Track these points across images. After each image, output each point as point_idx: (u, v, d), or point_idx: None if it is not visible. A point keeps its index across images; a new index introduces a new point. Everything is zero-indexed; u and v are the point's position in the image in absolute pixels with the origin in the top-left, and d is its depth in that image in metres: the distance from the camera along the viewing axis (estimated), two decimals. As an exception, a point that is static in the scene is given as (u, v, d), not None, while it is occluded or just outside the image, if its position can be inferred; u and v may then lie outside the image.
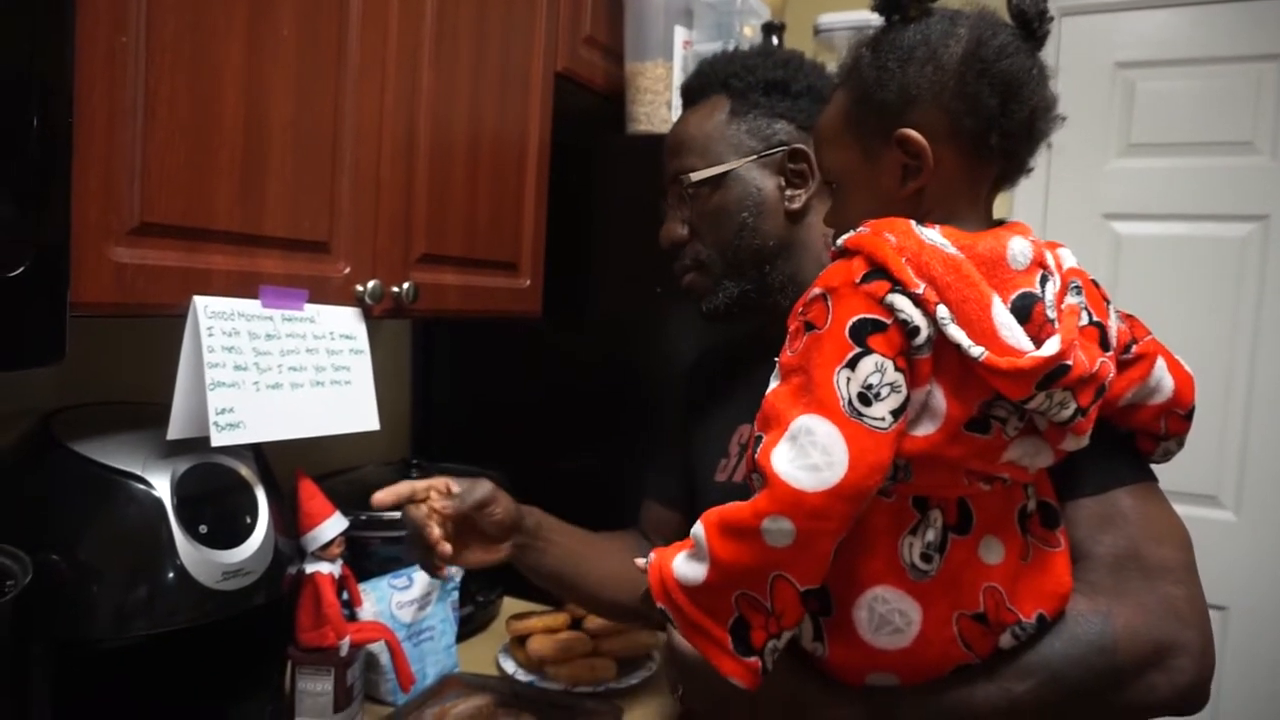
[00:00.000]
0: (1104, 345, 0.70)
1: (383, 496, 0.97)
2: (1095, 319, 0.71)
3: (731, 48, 1.43)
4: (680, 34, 1.48)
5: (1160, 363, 0.77)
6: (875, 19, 1.59)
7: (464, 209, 1.27)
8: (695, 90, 1.07)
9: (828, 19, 1.58)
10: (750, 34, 1.48)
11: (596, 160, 1.51)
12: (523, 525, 1.02)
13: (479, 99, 1.27)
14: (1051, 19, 0.71)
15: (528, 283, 1.42)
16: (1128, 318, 0.77)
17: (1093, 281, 0.74)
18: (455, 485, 0.99)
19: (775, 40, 1.52)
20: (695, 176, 1.01)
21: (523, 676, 1.25)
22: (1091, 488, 0.77)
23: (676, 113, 1.48)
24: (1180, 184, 1.79)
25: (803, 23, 1.66)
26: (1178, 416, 0.78)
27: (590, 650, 1.27)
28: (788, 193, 1.00)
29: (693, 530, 0.68)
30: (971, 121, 0.69)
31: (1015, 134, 0.71)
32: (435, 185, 1.20)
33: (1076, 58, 1.84)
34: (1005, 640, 0.72)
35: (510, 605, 1.50)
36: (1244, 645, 1.60)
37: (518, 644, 1.30)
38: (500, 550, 1.02)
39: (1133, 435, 0.80)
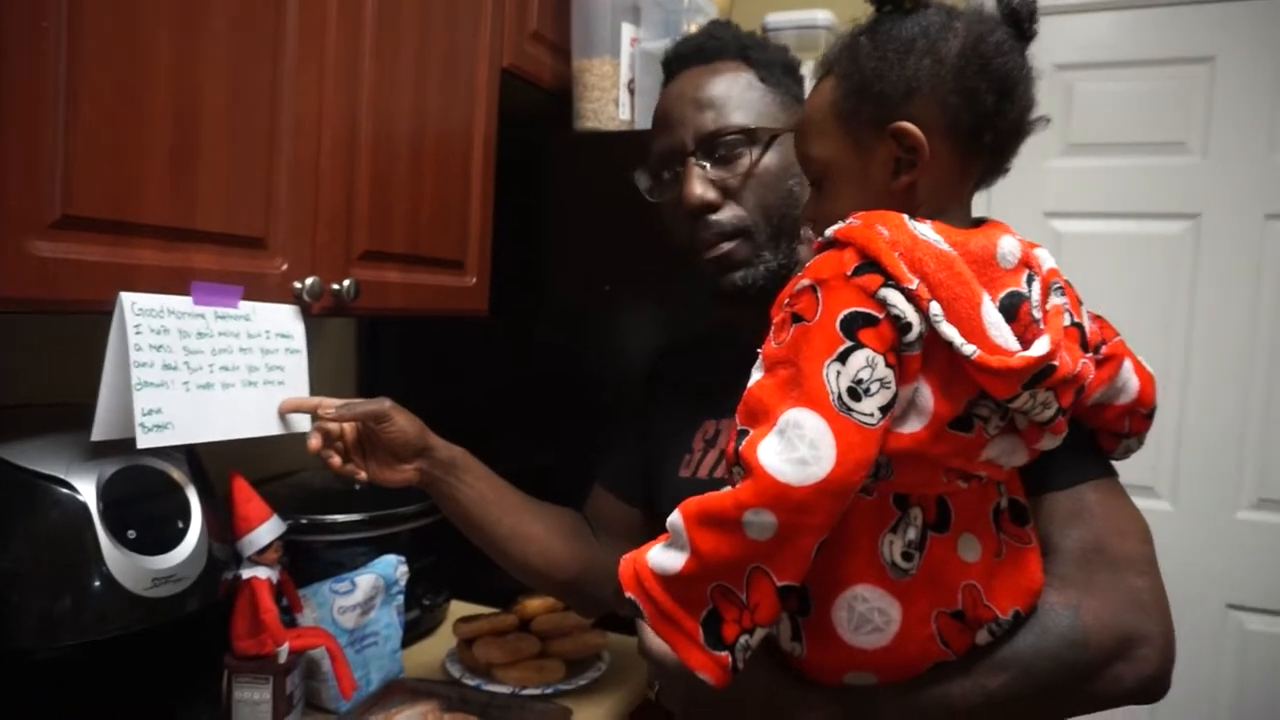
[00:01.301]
0: (1083, 346, 0.71)
1: (286, 404, 1.05)
2: (1075, 320, 0.71)
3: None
4: (628, 31, 1.47)
5: (1127, 363, 0.78)
6: (821, 19, 1.60)
7: (408, 205, 1.25)
8: (709, 52, 1.00)
9: (775, 19, 1.59)
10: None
11: (544, 157, 1.50)
12: (432, 454, 1.04)
13: (423, 92, 1.25)
14: (1038, 18, 0.71)
15: (474, 281, 1.40)
16: (1096, 318, 0.78)
17: (1067, 282, 0.74)
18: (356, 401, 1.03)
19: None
20: (761, 133, 0.95)
21: (470, 680, 1.23)
22: (1060, 483, 0.78)
23: (624, 110, 1.48)
24: (1117, 183, 1.83)
25: (749, 22, 1.65)
26: (1140, 416, 0.80)
27: (538, 652, 1.26)
28: None
29: (669, 520, 0.67)
30: (968, 117, 0.69)
31: (1007, 132, 0.71)
32: (378, 180, 1.18)
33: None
34: (981, 637, 0.72)
35: (458, 608, 1.48)
36: (1179, 634, 1.63)
37: (465, 647, 1.28)
38: (404, 471, 1.04)
39: (1095, 432, 0.81)
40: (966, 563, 0.71)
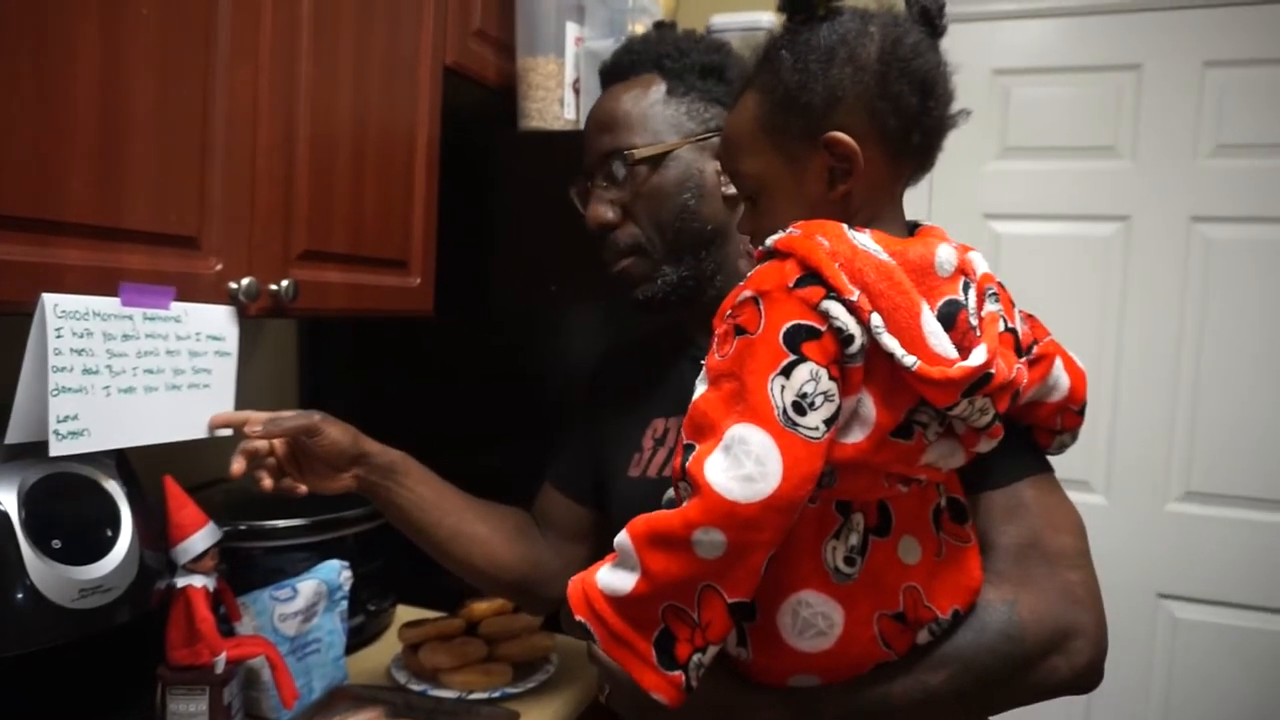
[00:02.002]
0: (1018, 351, 0.72)
1: (214, 420, 1.03)
2: (1009, 325, 0.72)
3: (622, 44, 1.43)
4: (572, 30, 1.46)
5: (1058, 362, 0.79)
6: (765, 20, 1.61)
7: (350, 204, 1.22)
8: (624, 68, 1.03)
9: (720, 20, 1.59)
10: (642, 32, 1.47)
11: (489, 156, 1.49)
12: (369, 460, 1.03)
13: (364, 89, 1.22)
14: (946, 14, 0.72)
15: (418, 281, 1.38)
16: (1028, 318, 0.80)
17: (1000, 285, 0.75)
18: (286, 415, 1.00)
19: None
20: (639, 153, 0.97)
21: (415, 686, 1.21)
22: (997, 481, 0.79)
23: (569, 109, 1.47)
24: (1052, 186, 1.88)
25: (694, 23, 1.67)
26: (1072, 412, 0.81)
27: (485, 655, 1.24)
28: (723, 177, 0.98)
29: (616, 540, 0.67)
30: (895, 121, 0.69)
31: (932, 130, 0.71)
32: (318, 178, 1.15)
33: (956, 64, 1.91)
34: (922, 636, 0.73)
35: (404, 613, 1.46)
36: (1112, 626, 1.68)
37: (411, 652, 1.26)
38: (342, 479, 1.03)
39: (1030, 429, 0.83)
40: (907, 565, 0.72)
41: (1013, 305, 0.75)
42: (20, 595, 0.82)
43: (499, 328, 1.49)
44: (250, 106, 1.03)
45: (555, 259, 1.44)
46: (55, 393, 0.82)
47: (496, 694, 1.20)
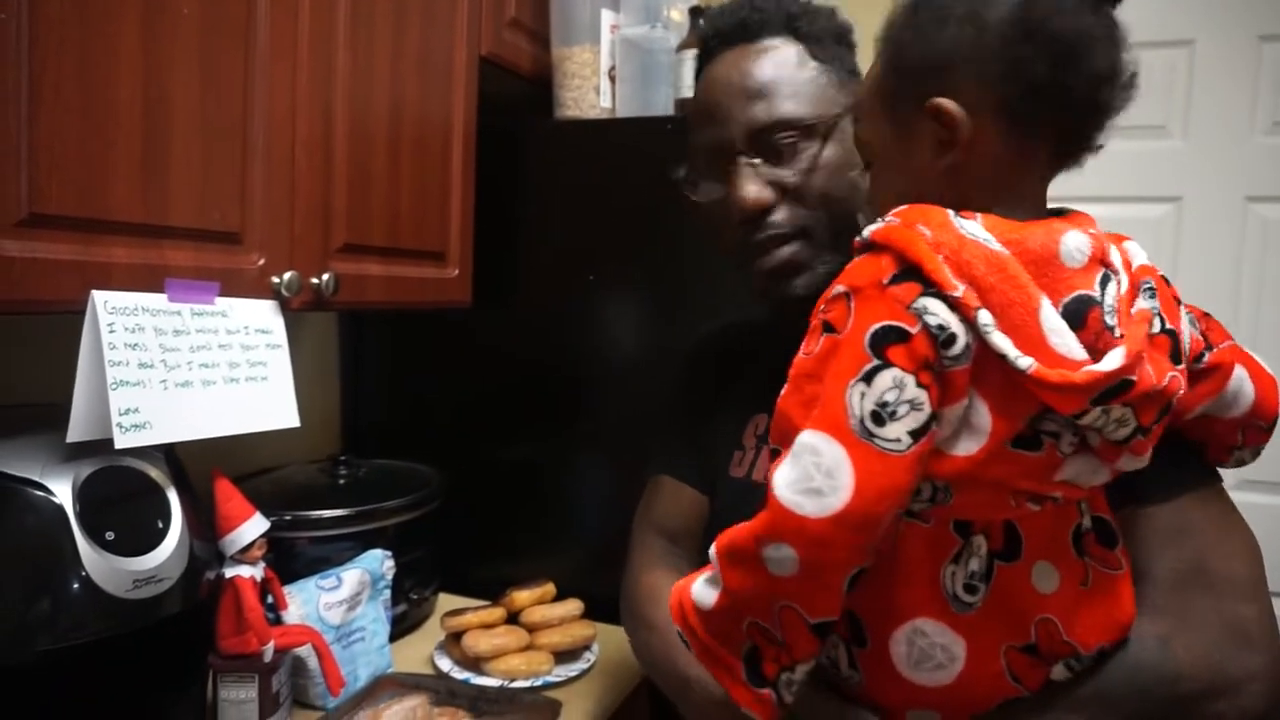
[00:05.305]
0: (1175, 357, 0.63)
1: None
2: (1168, 326, 0.63)
3: (658, 31, 1.42)
4: (607, 18, 1.45)
5: (1239, 372, 0.69)
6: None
7: (387, 197, 1.23)
8: (753, 28, 0.88)
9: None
10: (678, 18, 1.46)
11: (525, 146, 1.48)
12: None
13: (399, 83, 1.23)
14: None
15: (456, 272, 1.39)
16: (1204, 318, 0.70)
17: (1164, 279, 0.66)
18: None
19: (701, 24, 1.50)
20: (813, 122, 0.85)
21: (458, 674, 1.22)
22: (1159, 495, 0.70)
23: (605, 98, 1.47)
24: (1101, 167, 1.82)
25: None
26: (1260, 429, 0.72)
27: (527, 644, 1.25)
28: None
29: (710, 550, 0.64)
30: (1015, 90, 0.61)
31: (1070, 106, 0.63)
32: (356, 172, 1.16)
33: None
34: (1057, 672, 0.66)
35: (446, 601, 1.47)
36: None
37: (453, 640, 1.27)
38: None
39: (1203, 444, 0.74)
40: (1042, 594, 0.65)
41: (1177, 302, 0.66)
42: (76, 586, 0.83)
43: (537, 318, 1.49)
44: (289, 102, 1.04)
45: (593, 248, 1.43)
46: (114, 386, 0.83)
47: (538, 682, 1.21)
